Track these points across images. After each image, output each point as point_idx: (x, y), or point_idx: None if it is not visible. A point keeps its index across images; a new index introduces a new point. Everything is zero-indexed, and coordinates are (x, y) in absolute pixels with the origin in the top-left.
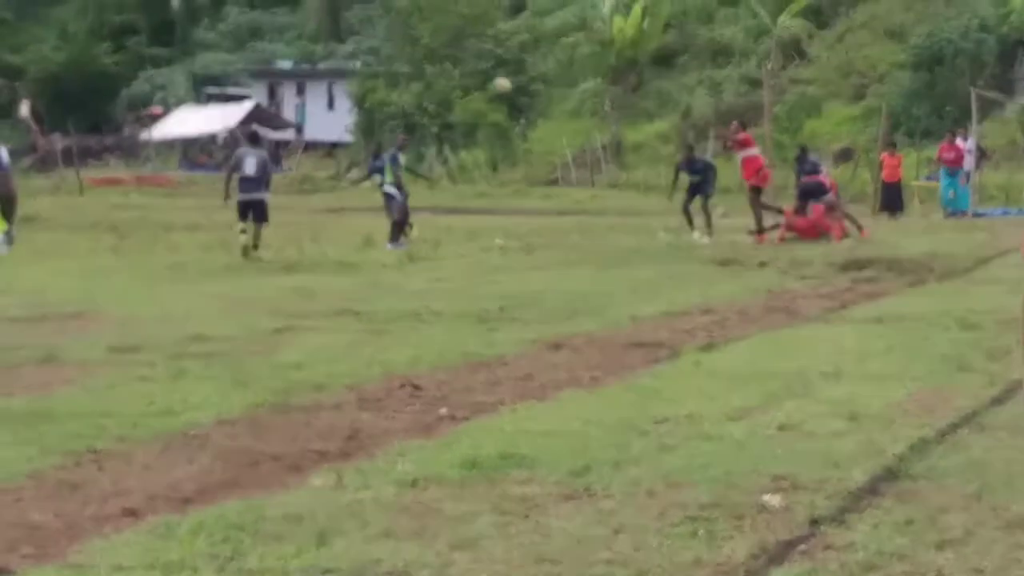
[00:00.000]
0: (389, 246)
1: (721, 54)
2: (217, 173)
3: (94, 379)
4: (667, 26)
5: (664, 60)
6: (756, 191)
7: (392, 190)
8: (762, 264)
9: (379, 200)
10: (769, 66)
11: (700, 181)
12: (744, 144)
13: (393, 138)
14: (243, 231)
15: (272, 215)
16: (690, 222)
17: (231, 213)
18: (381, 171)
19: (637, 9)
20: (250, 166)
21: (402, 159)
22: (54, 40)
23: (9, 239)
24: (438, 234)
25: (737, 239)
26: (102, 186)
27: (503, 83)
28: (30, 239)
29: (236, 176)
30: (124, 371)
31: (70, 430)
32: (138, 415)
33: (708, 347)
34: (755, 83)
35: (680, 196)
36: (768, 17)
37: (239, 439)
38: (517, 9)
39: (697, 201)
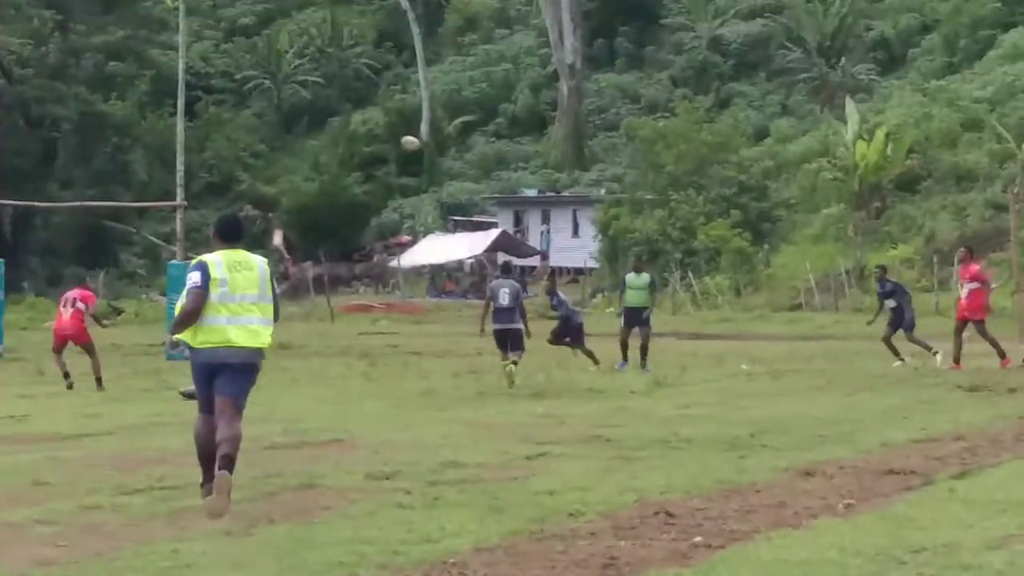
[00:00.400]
0: (618, 366)
1: (965, 179)
2: (464, 300)
3: (353, 506)
4: (910, 151)
5: (907, 185)
6: (980, 323)
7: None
8: (1012, 390)
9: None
10: (1015, 190)
11: (896, 308)
12: (975, 277)
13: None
14: (506, 361)
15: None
16: (894, 352)
17: (482, 342)
18: (557, 306)
19: (880, 135)
20: (504, 296)
21: (634, 280)
22: (306, 171)
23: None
24: (683, 359)
25: (984, 364)
26: (352, 313)
27: (411, 140)
28: (285, 366)
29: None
30: (382, 498)
31: (332, 557)
32: (398, 542)
33: (962, 474)
34: (1000, 207)
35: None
36: (1013, 141)
37: (498, 567)
38: (760, 136)
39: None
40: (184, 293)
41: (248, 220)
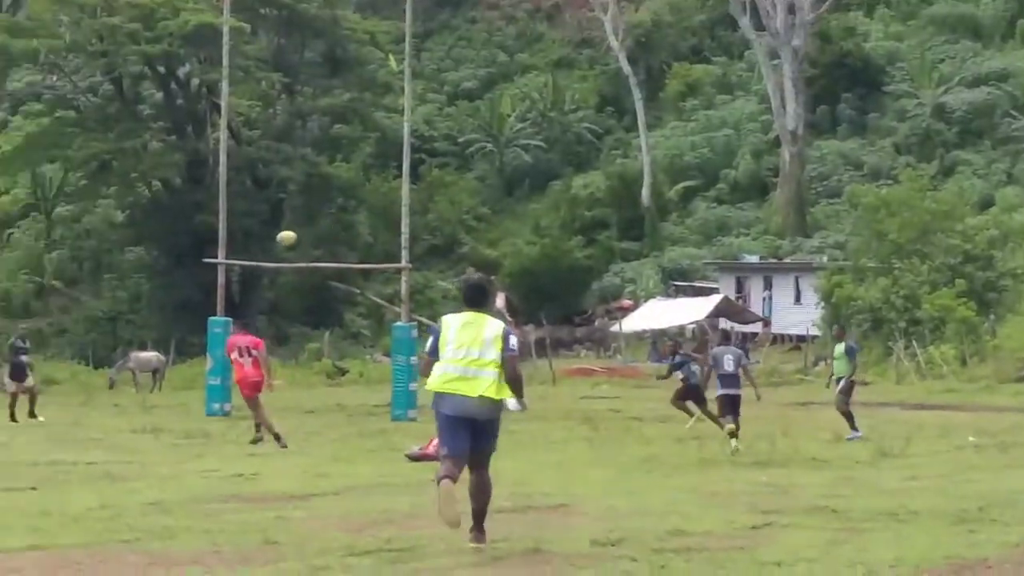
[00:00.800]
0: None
1: None
2: None
3: (580, 572)
4: None
5: None
6: None
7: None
8: None
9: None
10: None
11: None
12: None
13: (858, 333)
14: (729, 426)
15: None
16: None
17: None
18: (679, 367)
19: None
20: (728, 363)
21: (836, 350)
22: (528, 234)
23: (522, 405)
24: (908, 430)
25: None
26: (573, 376)
27: (287, 236)
28: (509, 429)
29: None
30: (608, 565)
31: None
32: None
33: None
34: None
35: None
36: None
37: None
38: (985, 205)
39: None
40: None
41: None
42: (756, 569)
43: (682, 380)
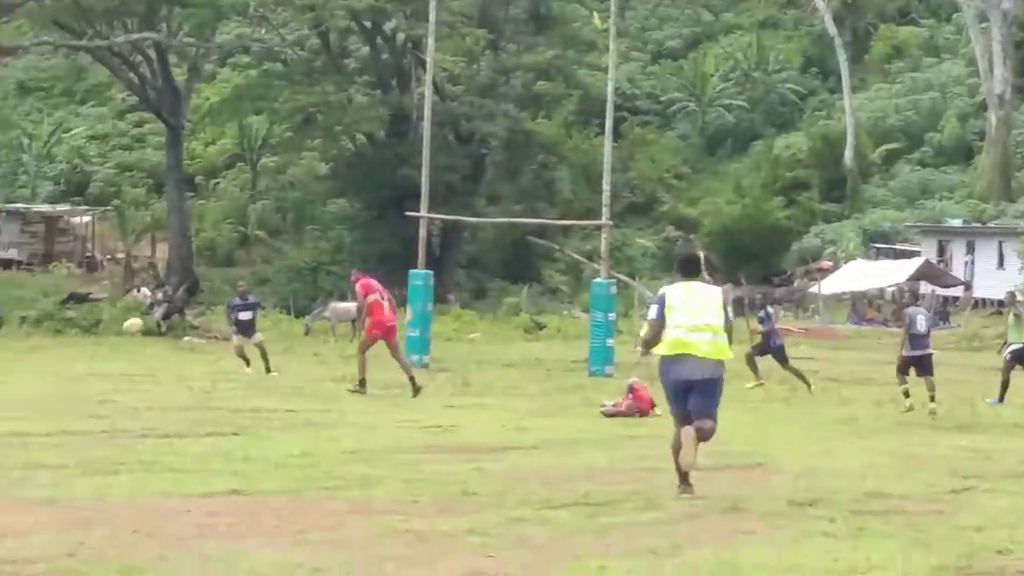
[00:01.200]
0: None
1: None
2: (885, 328)
3: (777, 532)
4: None
5: None
6: None
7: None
8: None
9: None
10: None
11: None
12: None
13: None
14: (906, 386)
15: (939, 371)
16: None
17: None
18: (763, 321)
19: None
20: (921, 323)
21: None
22: (729, 194)
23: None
24: None
25: None
26: None
27: (133, 323)
28: None
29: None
30: (805, 525)
31: None
32: (823, 571)
33: None
34: None
35: None
36: None
37: None
38: None
39: None
40: (647, 323)
41: (669, 240)
42: (956, 533)
43: (762, 334)
